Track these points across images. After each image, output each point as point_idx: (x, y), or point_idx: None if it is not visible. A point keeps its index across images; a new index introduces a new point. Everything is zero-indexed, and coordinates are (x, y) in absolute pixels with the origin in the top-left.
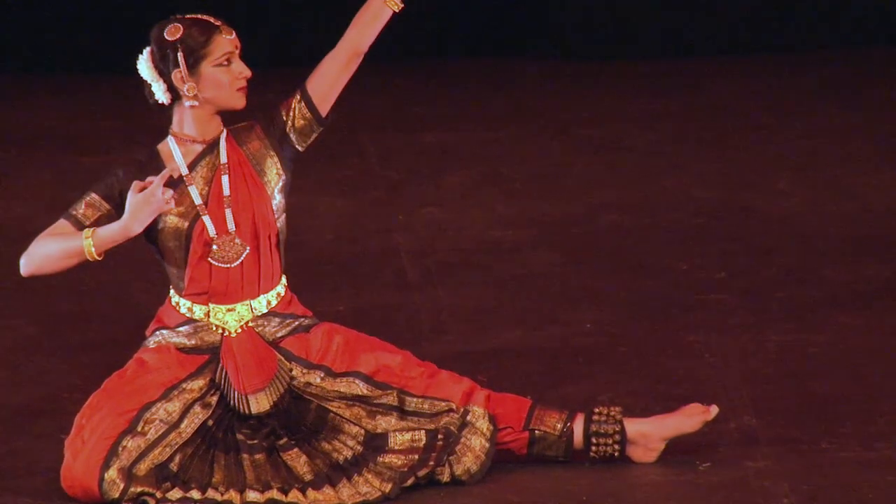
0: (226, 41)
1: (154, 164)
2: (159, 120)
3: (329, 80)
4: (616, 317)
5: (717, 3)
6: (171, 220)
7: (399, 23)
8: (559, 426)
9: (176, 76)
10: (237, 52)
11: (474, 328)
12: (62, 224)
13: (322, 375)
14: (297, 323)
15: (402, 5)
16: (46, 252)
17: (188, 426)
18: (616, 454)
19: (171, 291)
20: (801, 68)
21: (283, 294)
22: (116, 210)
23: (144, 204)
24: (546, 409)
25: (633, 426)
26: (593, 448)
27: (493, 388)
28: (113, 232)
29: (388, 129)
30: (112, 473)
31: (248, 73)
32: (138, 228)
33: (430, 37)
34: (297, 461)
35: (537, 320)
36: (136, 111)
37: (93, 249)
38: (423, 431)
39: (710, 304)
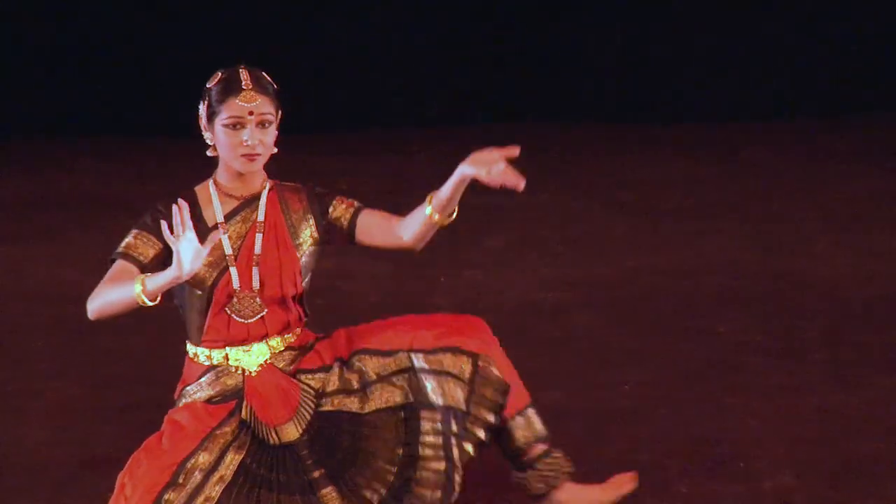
0: (238, 106)
1: (192, 207)
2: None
3: (377, 232)
4: (656, 378)
5: (754, 69)
6: (200, 267)
7: (443, 89)
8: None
9: (200, 121)
10: (252, 118)
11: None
12: (122, 267)
13: (338, 373)
14: (306, 346)
15: (452, 219)
16: (108, 300)
17: (227, 469)
18: (539, 489)
19: (188, 345)
20: (838, 132)
21: (300, 333)
22: (164, 245)
23: (196, 256)
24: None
25: (565, 493)
26: (529, 471)
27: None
28: (164, 280)
29: (430, 192)
30: None
31: (252, 143)
32: (189, 275)
33: (472, 103)
34: (331, 500)
35: (578, 382)
36: (181, 173)
37: (144, 297)
38: (443, 462)
39: (748, 367)
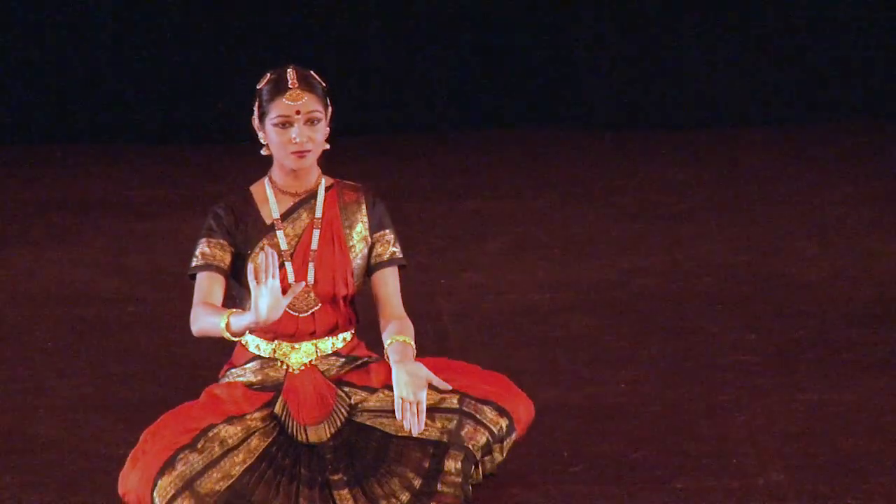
0: (286, 105)
1: (247, 206)
2: (211, 188)
3: (377, 296)
4: (649, 377)
5: (746, 77)
6: (257, 260)
7: (440, 98)
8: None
9: (254, 122)
10: (300, 117)
11: None
12: (208, 278)
13: (381, 395)
14: (360, 362)
15: None
16: (203, 327)
17: (251, 454)
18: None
19: None
20: (827, 138)
21: (349, 339)
22: (235, 249)
23: (275, 305)
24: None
25: None
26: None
27: (532, 445)
28: (246, 323)
29: (430, 198)
30: (165, 481)
31: (301, 141)
32: (268, 322)
33: (469, 111)
34: (346, 502)
35: (574, 380)
36: (187, 180)
37: (228, 335)
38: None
39: (740, 366)
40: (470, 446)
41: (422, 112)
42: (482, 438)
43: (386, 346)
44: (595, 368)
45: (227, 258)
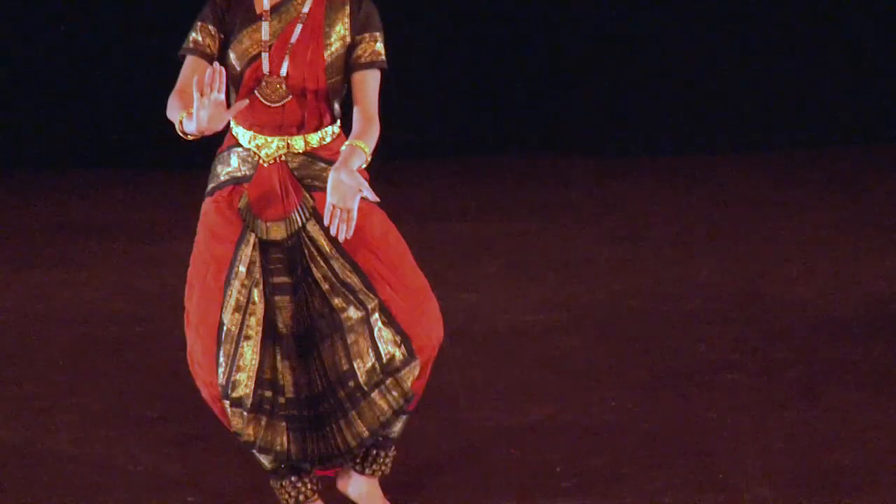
0: None
1: None
2: None
3: (355, 97)
4: (639, 395)
5: (733, 105)
6: (239, 47)
7: (436, 125)
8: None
9: None
10: None
11: (508, 404)
12: (192, 63)
13: (329, 242)
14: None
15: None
16: (169, 116)
17: (252, 329)
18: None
19: (231, 120)
20: (810, 165)
21: (327, 141)
22: (226, 36)
23: (216, 117)
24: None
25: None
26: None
27: (525, 461)
28: (190, 129)
29: (427, 221)
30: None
31: None
32: (207, 131)
33: (465, 137)
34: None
35: (566, 397)
36: (194, 204)
37: (181, 133)
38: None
39: (726, 383)
40: (348, 364)
41: (417, 139)
42: (367, 365)
43: (341, 148)
44: (586, 386)
45: (215, 44)
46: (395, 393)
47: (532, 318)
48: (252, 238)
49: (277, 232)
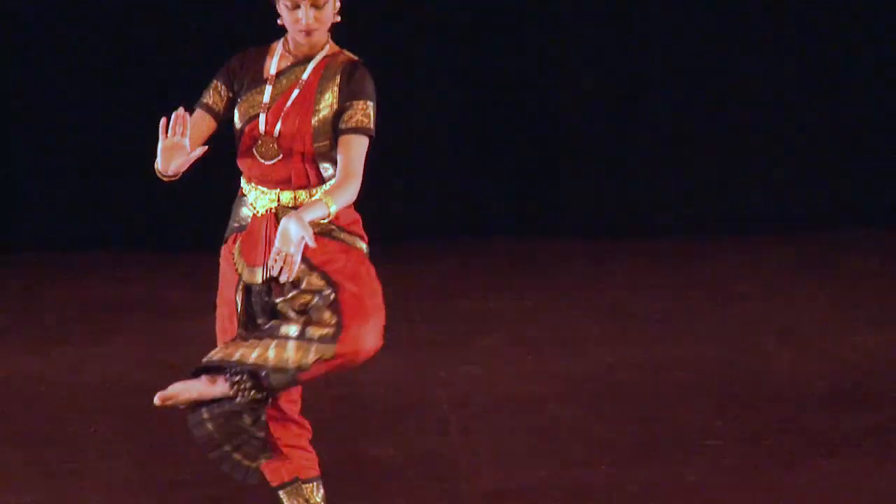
0: None
1: (259, 57)
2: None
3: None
4: (628, 459)
5: (713, 191)
6: (243, 107)
7: (440, 208)
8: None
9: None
10: (306, 1)
11: (506, 468)
12: (198, 116)
13: (306, 276)
14: (315, 230)
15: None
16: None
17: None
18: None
19: None
20: (785, 246)
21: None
22: (234, 95)
23: (174, 158)
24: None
25: None
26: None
27: None
28: (157, 167)
29: (431, 298)
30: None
31: (303, 24)
32: (172, 171)
33: (466, 219)
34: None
35: (561, 462)
36: (212, 283)
37: (159, 172)
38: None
39: (707, 449)
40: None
41: (420, 221)
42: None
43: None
44: (579, 451)
45: (222, 102)
46: (296, 354)
47: (529, 389)
48: (242, 282)
49: (254, 277)
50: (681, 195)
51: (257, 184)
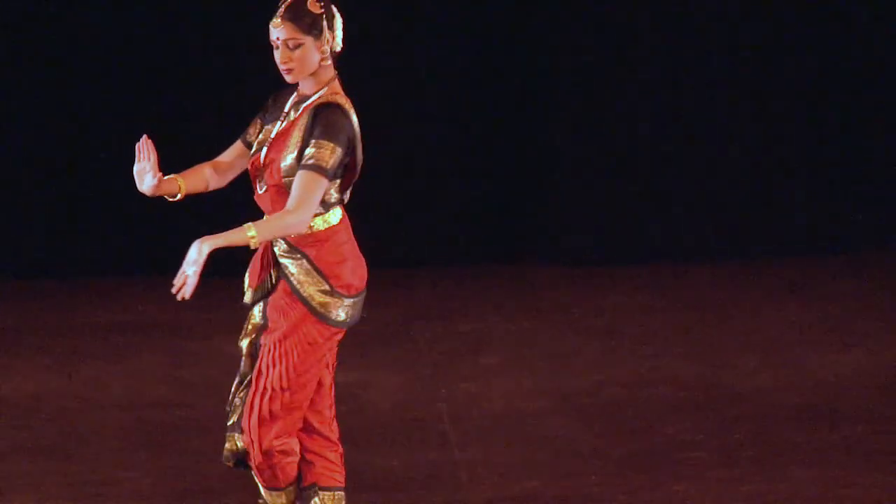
0: (271, 30)
1: (284, 96)
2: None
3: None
4: (616, 470)
5: (700, 219)
6: (259, 138)
7: (442, 237)
8: None
9: None
10: (280, 42)
11: (503, 479)
12: (235, 145)
13: (262, 317)
14: (298, 258)
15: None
16: None
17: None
18: None
19: None
20: (766, 272)
21: (301, 231)
22: (263, 126)
23: (148, 184)
24: None
25: None
26: None
27: None
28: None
29: (433, 320)
30: None
31: (283, 62)
32: (148, 192)
33: (466, 247)
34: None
35: (554, 473)
36: (226, 304)
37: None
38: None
39: (691, 461)
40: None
41: (425, 250)
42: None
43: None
44: (571, 463)
45: (256, 134)
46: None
47: (524, 405)
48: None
49: (248, 297)
50: (670, 223)
51: (263, 211)
